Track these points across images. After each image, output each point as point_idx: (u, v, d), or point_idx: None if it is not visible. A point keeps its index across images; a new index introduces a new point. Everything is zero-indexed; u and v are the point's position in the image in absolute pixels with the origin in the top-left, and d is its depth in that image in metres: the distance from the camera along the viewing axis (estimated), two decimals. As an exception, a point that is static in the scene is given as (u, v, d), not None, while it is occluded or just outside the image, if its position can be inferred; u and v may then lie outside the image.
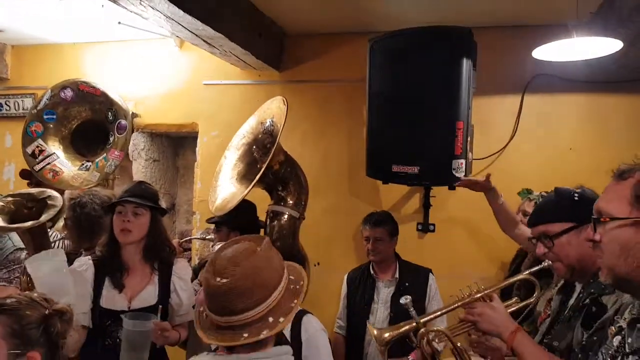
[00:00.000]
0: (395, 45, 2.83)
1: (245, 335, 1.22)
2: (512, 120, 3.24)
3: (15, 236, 2.75)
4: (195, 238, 3.48)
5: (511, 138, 3.23)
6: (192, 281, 2.41)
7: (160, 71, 3.81)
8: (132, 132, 3.84)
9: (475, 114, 2.84)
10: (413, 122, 2.75)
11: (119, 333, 2.09)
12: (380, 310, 2.81)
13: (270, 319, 1.25)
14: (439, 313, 1.81)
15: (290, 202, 2.58)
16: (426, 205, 3.31)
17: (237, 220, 2.62)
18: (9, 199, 2.63)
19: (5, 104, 4.14)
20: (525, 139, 3.23)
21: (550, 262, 1.66)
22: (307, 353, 2.00)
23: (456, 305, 1.72)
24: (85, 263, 2.22)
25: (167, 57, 3.80)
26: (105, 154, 3.07)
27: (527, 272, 1.85)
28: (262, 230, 2.68)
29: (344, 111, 3.47)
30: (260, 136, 2.69)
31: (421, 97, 2.73)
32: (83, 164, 3.07)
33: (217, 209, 2.59)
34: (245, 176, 2.70)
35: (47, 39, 3.94)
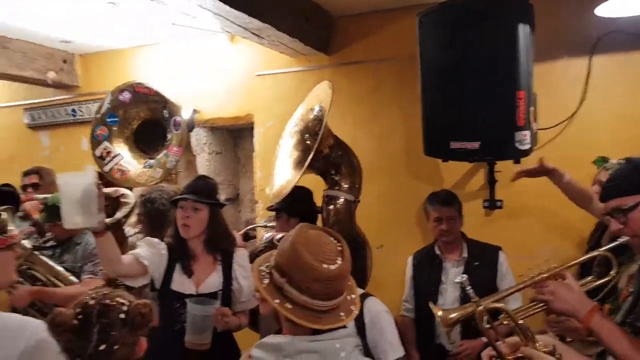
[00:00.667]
0: (446, 16, 2.71)
1: (342, 315, 1.29)
2: (580, 85, 3.01)
3: None
4: (258, 226, 3.57)
5: (580, 104, 3.02)
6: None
7: (215, 66, 3.90)
8: (194, 128, 3.99)
9: (538, 82, 2.68)
10: (470, 95, 2.63)
11: (185, 317, 2.21)
12: (449, 291, 2.75)
13: (349, 297, 1.34)
14: (504, 294, 1.73)
15: (345, 186, 2.58)
16: (491, 181, 3.17)
17: (295, 206, 2.65)
18: None
19: (79, 110, 4.42)
20: (596, 104, 3.00)
21: (627, 237, 1.54)
22: (371, 334, 2.02)
23: (524, 284, 1.64)
24: (163, 247, 2.39)
25: (220, 52, 3.87)
26: (165, 151, 3.20)
27: (604, 248, 1.73)
28: (319, 216, 2.70)
29: (396, 90, 3.39)
30: (310, 123, 2.69)
31: (477, 68, 2.59)
32: (146, 162, 3.21)
33: (273, 196, 2.65)
34: (299, 163, 2.72)
35: (109, 45, 4.14)
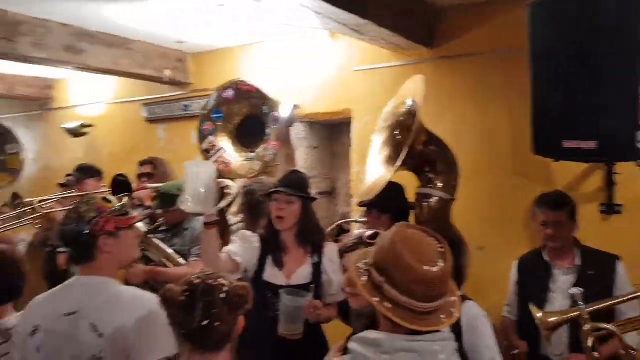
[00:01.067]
0: (560, 6, 2.49)
1: (443, 317, 1.28)
2: None
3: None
4: (352, 221, 3.58)
5: None
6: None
7: (315, 62, 3.96)
8: (294, 123, 4.10)
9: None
10: (585, 90, 2.40)
11: (277, 306, 2.28)
12: (558, 300, 2.55)
13: (450, 299, 1.32)
14: (610, 302, 1.57)
15: (440, 184, 2.50)
16: (610, 184, 2.89)
17: (387, 202, 2.62)
18: None
19: (190, 105, 4.72)
20: None
21: None
22: (469, 338, 1.95)
23: (635, 294, 1.47)
24: (256, 239, 2.49)
25: (321, 48, 3.92)
26: (264, 145, 3.33)
27: None
28: (412, 213, 2.64)
29: (503, 85, 3.19)
30: (401, 118, 2.63)
31: (595, 61, 2.37)
32: (247, 155, 3.38)
33: (364, 193, 2.64)
34: (390, 159, 2.68)
35: (219, 45, 4.37)
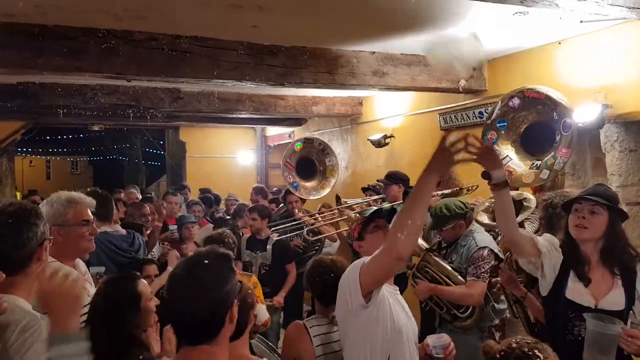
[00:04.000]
0: None
1: None
2: None
3: (478, 236, 3.21)
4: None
5: None
6: None
7: (630, 55, 3.47)
8: (604, 124, 3.69)
9: None
10: None
11: (580, 330, 2.12)
12: None
13: None
14: None
15: None
16: None
17: None
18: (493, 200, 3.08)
19: (485, 111, 4.75)
20: None
21: None
22: None
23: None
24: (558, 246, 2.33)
25: (637, 38, 3.41)
26: (553, 152, 3.13)
27: None
28: None
29: None
30: None
31: None
32: (533, 163, 3.23)
33: None
34: None
35: (515, 48, 4.27)
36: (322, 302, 2.46)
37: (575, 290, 2.22)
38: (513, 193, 3.09)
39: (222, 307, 1.41)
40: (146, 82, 5.27)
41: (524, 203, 3.15)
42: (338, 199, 5.26)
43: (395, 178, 4.60)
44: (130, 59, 3.59)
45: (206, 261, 1.43)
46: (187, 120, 8.08)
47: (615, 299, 2.17)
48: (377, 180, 5.08)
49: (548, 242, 2.31)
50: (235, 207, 6.26)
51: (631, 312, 2.17)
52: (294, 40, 3.99)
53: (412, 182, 4.05)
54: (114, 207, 3.81)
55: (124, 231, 3.73)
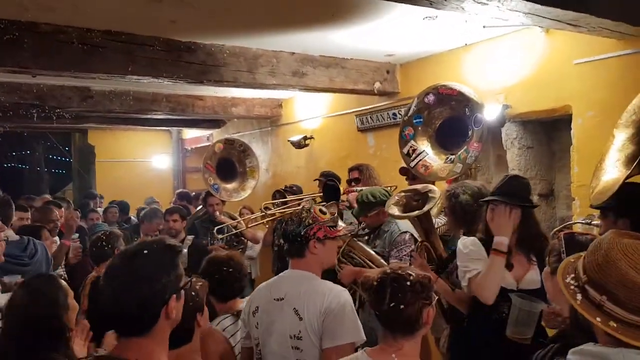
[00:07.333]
0: None
1: None
2: None
3: (400, 222, 3.34)
4: (577, 222, 3.35)
5: None
6: None
7: (526, 60, 3.82)
8: (505, 123, 4.02)
9: None
10: None
11: (504, 308, 2.32)
12: None
13: None
14: None
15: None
16: None
17: (626, 206, 2.39)
18: (402, 194, 3.23)
19: (398, 113, 4.98)
20: None
21: None
22: None
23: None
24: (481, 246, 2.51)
25: (533, 44, 3.77)
26: (465, 147, 3.33)
27: None
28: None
29: None
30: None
31: None
32: (448, 158, 3.43)
33: (597, 193, 2.43)
34: (632, 158, 2.42)
35: (425, 53, 4.53)
36: (219, 299, 2.54)
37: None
38: (418, 186, 3.27)
39: (155, 300, 1.35)
40: (53, 79, 4.95)
41: (429, 194, 3.32)
42: (281, 193, 5.17)
43: (329, 177, 4.70)
44: (37, 52, 3.36)
45: (145, 251, 1.38)
46: (97, 121, 7.65)
47: (532, 278, 2.42)
48: (314, 180, 5.11)
49: (480, 256, 2.45)
50: (146, 210, 5.81)
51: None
52: (213, 38, 3.96)
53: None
54: (13, 212, 3.59)
55: (16, 236, 3.38)
